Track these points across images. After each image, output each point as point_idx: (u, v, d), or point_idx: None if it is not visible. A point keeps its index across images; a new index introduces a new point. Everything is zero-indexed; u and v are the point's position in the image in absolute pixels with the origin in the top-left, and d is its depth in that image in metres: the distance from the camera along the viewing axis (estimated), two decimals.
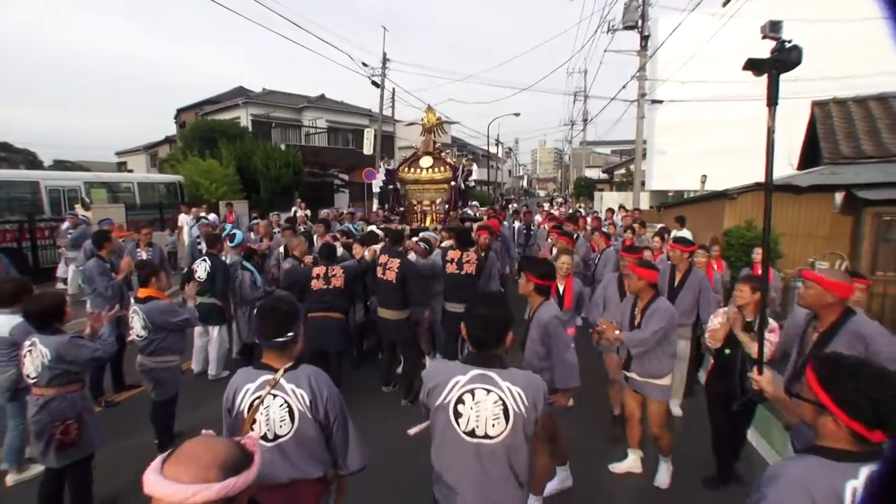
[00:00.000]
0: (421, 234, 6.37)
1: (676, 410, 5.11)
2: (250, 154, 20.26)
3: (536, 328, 3.20)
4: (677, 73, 15.75)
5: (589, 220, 11.07)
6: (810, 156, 10.59)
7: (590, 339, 4.48)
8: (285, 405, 2.07)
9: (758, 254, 5.77)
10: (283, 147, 22.20)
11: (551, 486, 3.57)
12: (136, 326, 4.05)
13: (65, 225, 10.11)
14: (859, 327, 2.69)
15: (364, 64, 21.10)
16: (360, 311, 6.42)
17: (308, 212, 14.28)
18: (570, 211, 17.99)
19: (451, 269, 5.66)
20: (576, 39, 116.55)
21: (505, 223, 10.38)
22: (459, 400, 1.95)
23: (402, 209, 8.23)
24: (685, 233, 8.76)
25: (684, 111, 17.32)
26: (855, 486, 1.30)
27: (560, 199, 30.59)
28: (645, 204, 18.81)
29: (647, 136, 18.85)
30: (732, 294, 3.82)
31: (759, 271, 5.47)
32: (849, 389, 1.39)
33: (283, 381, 2.09)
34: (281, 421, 2.07)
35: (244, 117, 25.14)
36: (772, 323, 3.37)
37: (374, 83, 21.73)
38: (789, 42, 2.28)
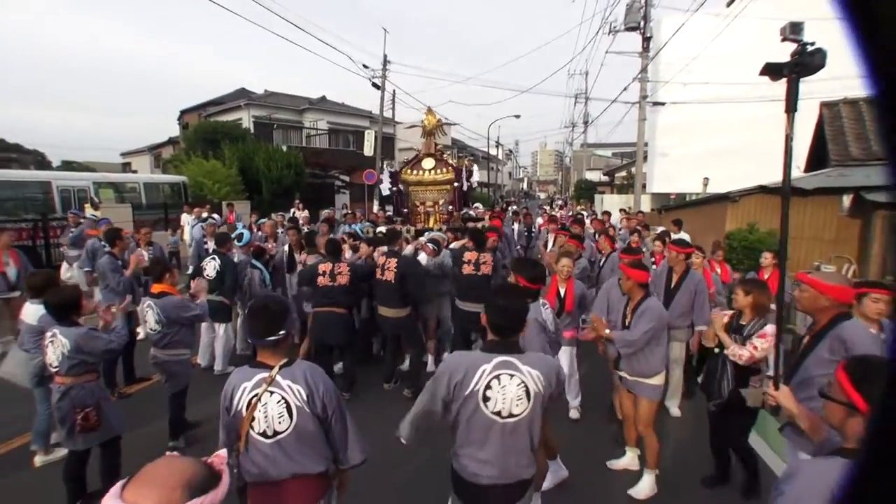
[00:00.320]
0: (429, 235, 6.42)
1: (675, 411, 5.14)
2: (252, 155, 20.34)
3: None
4: (680, 74, 15.74)
5: (589, 222, 11.09)
6: (817, 158, 10.57)
7: (594, 344, 4.52)
8: (283, 401, 2.11)
9: (766, 258, 5.73)
10: (284, 148, 22.19)
11: (548, 481, 3.61)
12: (150, 320, 4.23)
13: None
14: (843, 332, 2.68)
15: (365, 66, 21.13)
16: (365, 310, 6.46)
17: (306, 212, 14.33)
18: (570, 213, 17.98)
19: (468, 269, 5.69)
20: (577, 41, 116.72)
21: (504, 225, 10.40)
22: (487, 386, 2.10)
23: (405, 210, 8.24)
24: (683, 235, 8.78)
25: (686, 113, 17.31)
26: None
27: (560, 202, 30.57)
28: (646, 206, 18.79)
29: (649, 138, 18.84)
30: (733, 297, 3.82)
31: (765, 276, 5.51)
32: (882, 390, 1.37)
33: (278, 377, 2.13)
34: (279, 417, 2.10)
35: (246, 119, 25.20)
36: (766, 329, 3.37)
37: (374, 85, 21.76)
38: (811, 44, 2.19)
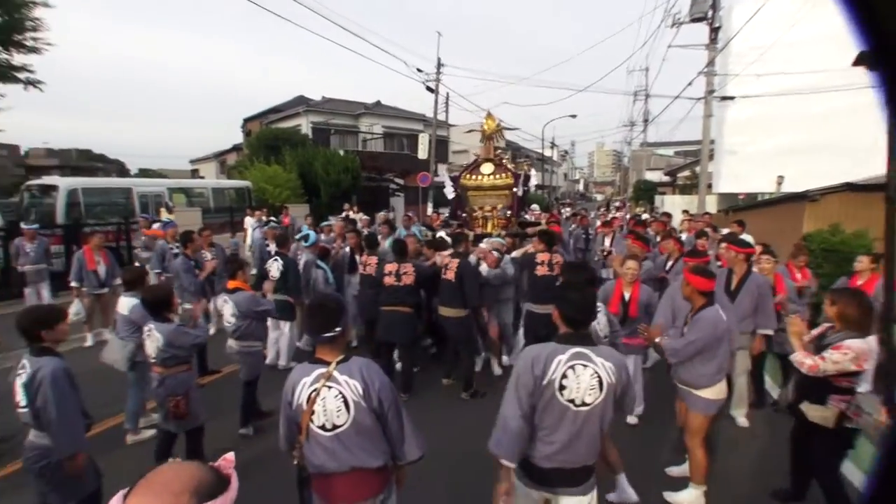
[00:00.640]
0: (489, 241, 6.42)
1: (742, 421, 4.93)
2: (311, 160, 20.96)
3: None
4: (752, 65, 14.75)
5: (652, 225, 10.66)
6: None
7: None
8: (340, 396, 2.18)
9: (861, 262, 5.28)
10: (341, 153, 22.78)
11: (613, 498, 3.62)
12: (227, 313, 4.62)
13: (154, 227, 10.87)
14: None
15: (419, 70, 21.34)
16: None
17: (362, 214, 14.56)
18: (628, 215, 17.36)
19: (542, 270, 5.62)
20: (637, 36, 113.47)
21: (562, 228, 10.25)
22: (563, 375, 2.19)
23: (464, 215, 8.19)
24: (745, 237, 8.26)
25: (758, 107, 16.20)
26: None
27: (617, 203, 29.66)
28: (712, 207, 17.83)
29: (716, 135, 17.85)
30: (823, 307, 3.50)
31: (859, 282, 5.03)
32: None
33: (336, 373, 2.20)
34: (337, 411, 2.18)
35: (305, 125, 26.06)
36: (848, 342, 3.01)
37: (428, 88, 21.93)
38: None
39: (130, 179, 22.02)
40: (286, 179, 19.37)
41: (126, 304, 4.46)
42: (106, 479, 3.05)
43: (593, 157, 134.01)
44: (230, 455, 1.96)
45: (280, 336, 6.40)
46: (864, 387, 3.10)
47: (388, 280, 5.51)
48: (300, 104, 28.27)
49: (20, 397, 2.77)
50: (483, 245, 6.20)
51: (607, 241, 9.09)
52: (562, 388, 2.20)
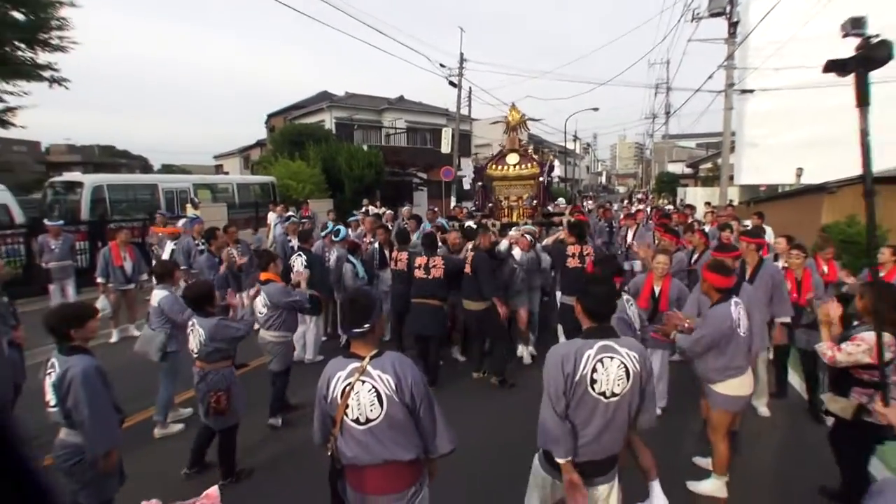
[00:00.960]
0: (524, 228, 6.50)
1: (763, 411, 4.96)
2: (335, 155, 21.15)
3: None
4: (770, 59, 14.75)
5: (674, 217, 10.61)
6: None
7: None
8: (373, 390, 2.22)
9: (883, 254, 5.23)
10: (365, 148, 22.99)
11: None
12: (258, 304, 4.72)
13: (179, 223, 10.89)
14: None
15: (442, 65, 21.60)
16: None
17: (384, 209, 14.45)
18: (651, 207, 17.37)
19: (573, 262, 5.67)
20: (657, 30, 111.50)
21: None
22: (594, 370, 2.28)
23: (490, 205, 8.39)
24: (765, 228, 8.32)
25: (778, 100, 16.14)
26: None
27: (640, 195, 29.51)
28: (734, 199, 17.86)
29: (736, 127, 17.77)
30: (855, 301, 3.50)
31: (881, 274, 5.08)
32: None
33: (369, 367, 2.25)
34: (371, 405, 2.22)
35: (328, 120, 26.29)
36: (864, 334, 3.05)
37: (451, 83, 22.17)
38: (875, 37, 2.13)
39: (155, 175, 22.25)
40: (310, 175, 19.51)
41: (156, 295, 4.61)
42: (132, 475, 3.13)
43: (615, 149, 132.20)
44: (213, 490, 2.18)
45: (306, 330, 6.42)
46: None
47: (418, 273, 5.60)
48: (323, 100, 28.60)
49: (50, 396, 2.75)
50: (513, 232, 6.26)
51: (630, 234, 9.02)
52: (593, 381, 2.27)
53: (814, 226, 8.81)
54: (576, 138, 49.12)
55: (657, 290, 4.63)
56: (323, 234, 7.38)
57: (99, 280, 7.42)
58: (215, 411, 3.71)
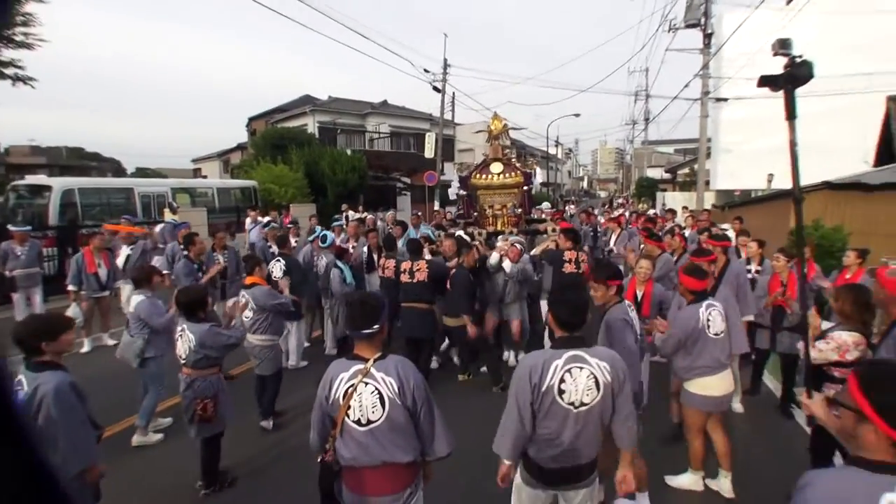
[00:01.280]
0: (511, 239, 6.56)
1: (737, 407, 5.05)
2: (318, 159, 21.10)
3: (604, 330, 3.29)
4: (743, 69, 15.29)
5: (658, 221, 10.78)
6: (886, 152, 10.18)
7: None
8: (376, 392, 2.24)
9: (848, 257, 5.50)
10: (348, 152, 22.98)
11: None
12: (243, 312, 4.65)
13: (157, 228, 10.68)
14: None
15: (426, 70, 21.70)
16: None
17: (367, 214, 14.32)
18: (627, 212, 17.73)
19: (569, 268, 5.76)
20: (636, 39, 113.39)
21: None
22: (561, 380, 2.26)
23: (475, 214, 8.49)
24: (730, 233, 8.65)
25: (750, 108, 16.69)
26: (891, 499, 1.26)
27: (621, 200, 29.96)
28: (710, 203, 18.34)
29: (712, 134, 18.33)
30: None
31: (847, 276, 5.20)
32: (891, 397, 1.33)
33: (373, 369, 2.26)
34: (373, 407, 2.23)
35: (311, 124, 26.23)
36: (836, 333, 3.15)
37: (435, 88, 22.29)
38: (800, 57, 2.28)
39: (131, 179, 21.54)
40: (293, 179, 19.41)
41: (133, 301, 4.54)
42: (107, 489, 2.99)
43: (596, 154, 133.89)
44: None
45: (288, 336, 6.29)
46: None
47: (404, 278, 5.67)
48: (306, 103, 28.53)
49: None
50: (500, 243, 6.31)
51: (614, 238, 9.18)
52: (561, 392, 2.25)
53: (784, 229, 9.12)
54: (558, 143, 49.70)
55: (640, 294, 4.70)
56: (310, 239, 7.32)
57: (70, 288, 7.07)
58: (201, 419, 3.63)
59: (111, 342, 7.31)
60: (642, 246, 6.55)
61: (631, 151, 51.07)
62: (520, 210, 8.15)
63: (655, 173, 39.21)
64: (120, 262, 7.68)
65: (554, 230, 7.12)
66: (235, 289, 6.19)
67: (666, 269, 5.81)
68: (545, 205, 15.27)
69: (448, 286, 5.63)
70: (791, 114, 2.33)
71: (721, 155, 19.34)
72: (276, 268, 6.03)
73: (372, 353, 2.31)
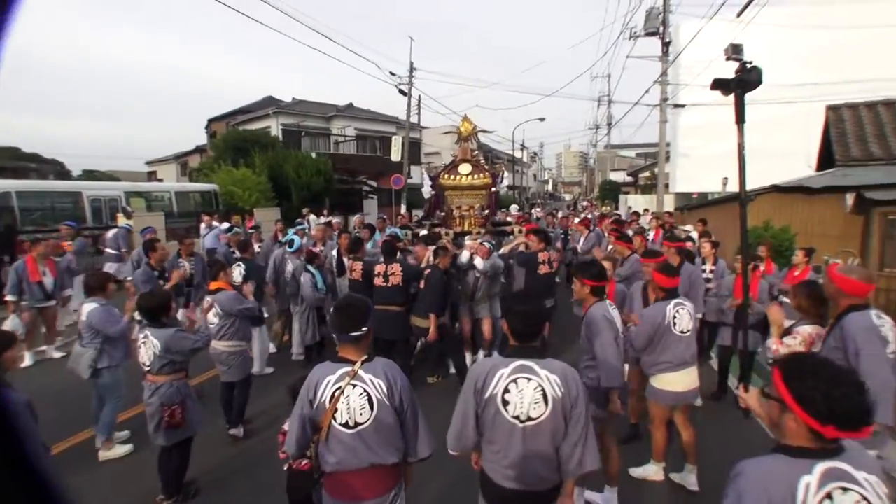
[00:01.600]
0: (481, 240, 6.62)
1: (696, 401, 5.11)
2: (282, 162, 20.80)
3: (585, 327, 3.37)
4: (700, 77, 15.91)
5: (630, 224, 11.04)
6: (826, 158, 10.81)
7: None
8: (364, 394, 2.23)
9: (797, 256, 5.79)
10: (313, 155, 22.73)
11: (593, 497, 3.63)
12: (210, 314, 4.60)
13: (110, 233, 10.42)
14: (845, 322, 2.84)
15: (392, 73, 21.67)
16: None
17: (330, 218, 14.29)
18: (590, 215, 18.10)
19: (545, 269, 5.81)
20: (599, 45, 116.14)
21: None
22: (506, 390, 2.16)
23: (443, 214, 8.57)
24: (691, 230, 9.04)
25: (707, 114, 17.38)
26: (808, 481, 1.36)
27: (585, 203, 30.52)
28: (670, 206, 18.94)
29: (671, 139, 18.98)
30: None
31: (796, 273, 5.55)
32: (808, 386, 1.42)
33: (361, 371, 2.26)
34: (361, 409, 2.22)
35: (275, 126, 25.75)
36: (801, 328, 3.29)
37: (401, 91, 22.29)
38: (750, 63, 2.40)
39: (80, 182, 20.07)
40: (256, 182, 19.06)
41: (85, 309, 4.34)
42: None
43: (561, 158, 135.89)
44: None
45: (252, 341, 6.13)
46: None
47: (378, 281, 5.66)
48: (269, 105, 28.02)
49: None
50: (469, 241, 6.40)
51: (582, 240, 9.45)
52: (505, 402, 2.16)
53: (738, 230, 9.54)
54: (523, 147, 50.34)
55: None
56: (283, 241, 7.21)
57: (9, 298, 6.63)
58: (169, 425, 3.54)
59: (57, 355, 6.99)
60: (611, 247, 6.74)
61: (594, 155, 52.28)
62: (487, 211, 8.28)
63: (618, 176, 40.24)
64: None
65: (521, 231, 7.26)
66: (201, 296, 6.07)
67: (634, 269, 5.92)
68: (513, 208, 15.45)
69: (422, 286, 5.64)
70: (740, 117, 2.44)
71: (679, 159, 20.05)
72: (236, 272, 5.94)
73: (359, 355, 2.31)
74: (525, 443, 2.15)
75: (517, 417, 2.14)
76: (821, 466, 1.37)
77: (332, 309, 2.90)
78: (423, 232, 7.59)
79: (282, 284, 6.73)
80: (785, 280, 5.84)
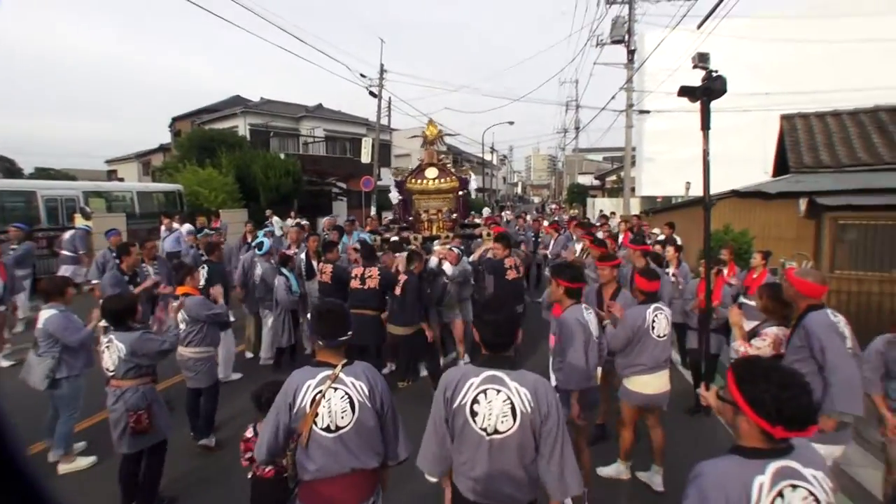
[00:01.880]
0: (450, 245, 6.66)
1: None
2: (250, 163, 20.40)
3: (558, 329, 3.41)
4: (664, 84, 16.42)
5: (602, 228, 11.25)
6: (781, 164, 11.32)
7: None
8: (346, 397, 2.21)
9: (755, 258, 6.00)
10: (282, 156, 22.37)
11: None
12: (178, 319, 4.46)
13: (66, 235, 10.07)
14: (807, 321, 2.97)
15: (362, 75, 21.54)
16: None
17: (298, 220, 14.06)
18: (556, 218, 18.39)
19: (512, 275, 5.83)
20: (567, 51, 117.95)
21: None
22: (475, 400, 2.08)
23: (410, 218, 8.57)
24: (659, 233, 9.34)
25: (672, 120, 17.93)
26: (762, 481, 1.43)
27: (553, 206, 30.94)
28: (636, 209, 19.41)
29: (637, 143, 19.50)
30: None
31: (754, 275, 5.70)
32: (760, 390, 1.48)
33: (342, 374, 2.24)
34: (342, 412, 2.20)
35: (242, 126, 25.27)
36: (769, 329, 3.38)
37: (371, 93, 22.17)
38: (716, 72, 2.50)
39: (33, 181, 18.63)
40: (222, 183, 18.58)
41: (42, 315, 4.13)
42: None
43: (530, 161, 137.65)
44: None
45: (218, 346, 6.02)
46: None
47: (354, 283, 5.59)
48: (237, 104, 27.52)
49: None
50: (437, 247, 6.38)
51: (552, 243, 9.58)
52: (473, 413, 2.08)
53: (701, 233, 9.85)
54: (493, 150, 50.70)
55: None
56: (253, 244, 7.06)
57: None
58: (134, 431, 3.42)
59: (5, 363, 6.70)
60: (587, 252, 6.82)
61: (563, 159, 53.17)
62: (455, 215, 8.31)
63: (586, 180, 40.99)
64: None
65: (489, 234, 7.31)
66: (168, 301, 5.73)
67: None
68: (485, 211, 15.53)
69: (399, 293, 5.57)
70: (705, 124, 2.51)
71: (645, 164, 20.62)
72: (199, 275, 5.66)
73: (338, 359, 2.30)
74: (491, 456, 2.07)
75: (484, 430, 2.06)
76: (772, 466, 1.45)
77: (311, 314, 2.87)
78: (394, 238, 7.58)
79: (251, 288, 6.60)
80: (744, 282, 6.06)
